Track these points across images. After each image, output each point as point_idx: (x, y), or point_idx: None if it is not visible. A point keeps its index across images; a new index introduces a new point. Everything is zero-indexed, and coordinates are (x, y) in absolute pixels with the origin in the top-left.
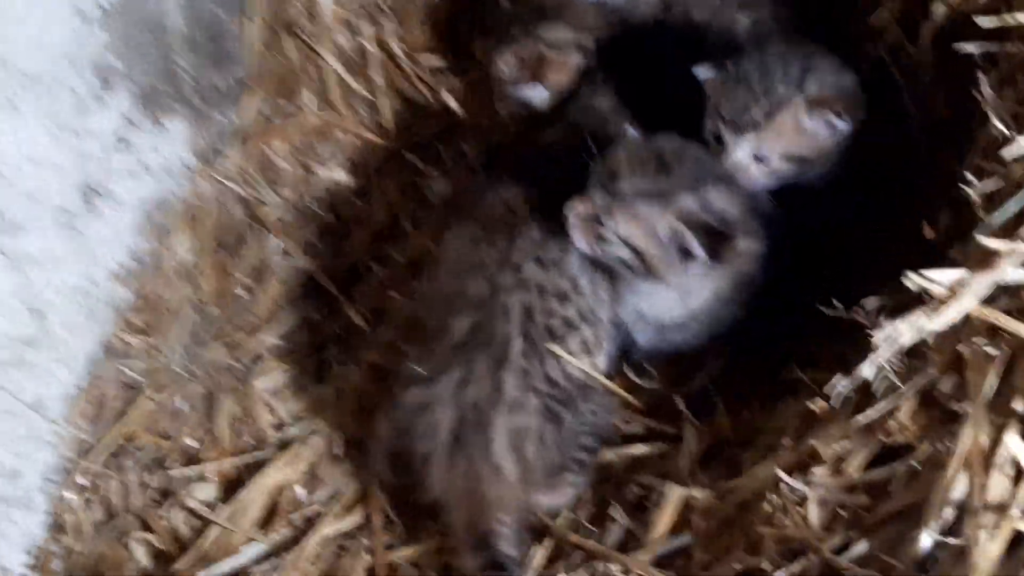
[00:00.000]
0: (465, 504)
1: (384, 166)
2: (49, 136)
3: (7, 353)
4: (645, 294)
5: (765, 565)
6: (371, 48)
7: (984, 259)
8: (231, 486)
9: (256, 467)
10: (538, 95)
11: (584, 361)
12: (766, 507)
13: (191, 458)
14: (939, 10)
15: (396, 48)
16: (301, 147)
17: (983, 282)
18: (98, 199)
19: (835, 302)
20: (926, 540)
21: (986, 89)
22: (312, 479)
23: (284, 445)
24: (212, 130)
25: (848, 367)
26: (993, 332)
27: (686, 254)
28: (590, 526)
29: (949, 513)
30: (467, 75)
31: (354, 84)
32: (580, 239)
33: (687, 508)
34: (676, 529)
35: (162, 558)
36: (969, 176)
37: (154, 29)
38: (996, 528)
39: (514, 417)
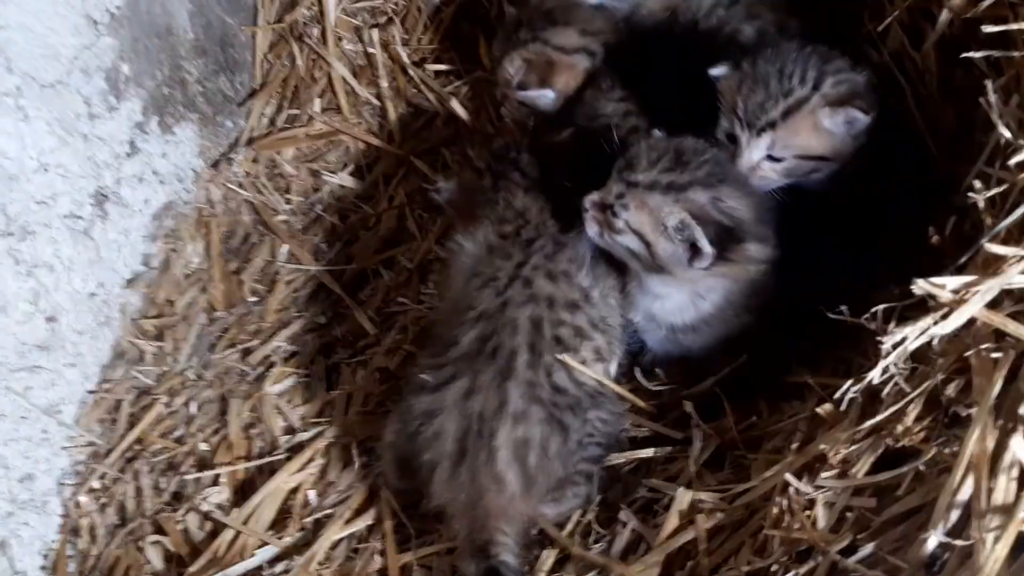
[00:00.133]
0: (467, 513)
1: (391, 172)
2: (60, 142)
3: (21, 358)
4: (656, 296)
5: (774, 567)
6: (378, 55)
7: (990, 265)
8: (243, 490)
9: (268, 471)
10: (545, 99)
11: (597, 368)
12: (774, 510)
13: (204, 462)
14: (943, 17)
15: (403, 54)
16: (309, 153)
17: (989, 287)
18: (109, 205)
19: (843, 308)
20: (933, 542)
21: (992, 96)
22: (323, 482)
23: (295, 449)
24: (221, 136)
25: (851, 371)
26: (999, 337)
27: (693, 249)
28: (600, 529)
29: (955, 516)
30: (473, 81)
31: (361, 90)
32: (592, 227)
33: (695, 511)
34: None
35: (175, 561)
36: (975, 183)
37: (163, 36)
38: (1002, 530)
39: (518, 428)
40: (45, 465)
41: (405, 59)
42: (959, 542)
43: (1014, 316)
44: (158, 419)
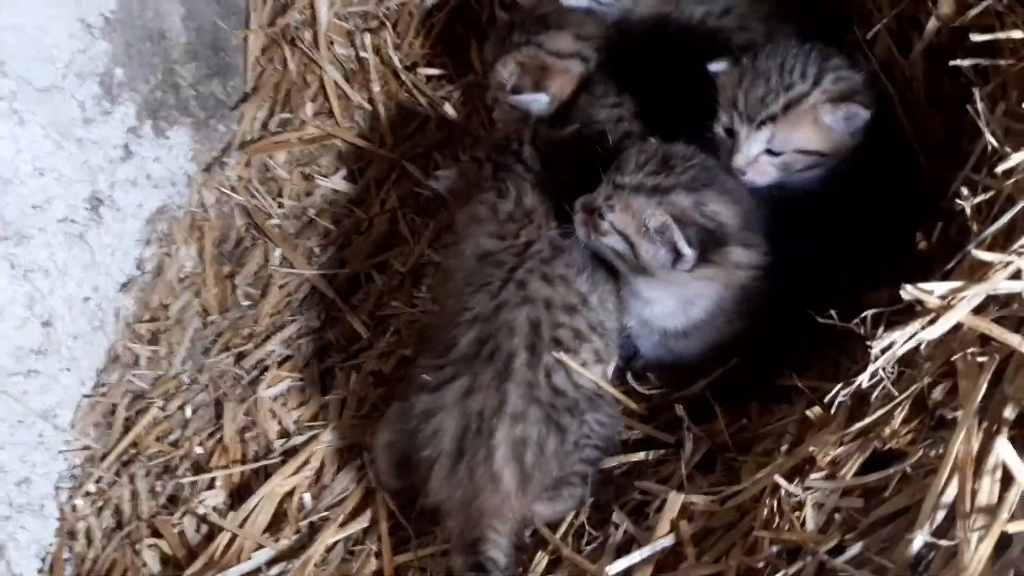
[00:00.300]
0: (462, 511)
1: (383, 176)
2: (55, 146)
3: (17, 363)
4: (648, 301)
5: (763, 567)
6: (370, 59)
7: (976, 270)
8: (239, 493)
9: (264, 474)
10: (539, 103)
11: (596, 370)
12: (764, 511)
13: (199, 466)
14: (931, 25)
15: (395, 59)
16: (301, 157)
17: (976, 293)
18: (103, 209)
19: (832, 313)
20: (918, 542)
21: (979, 104)
22: (318, 486)
23: (290, 452)
24: (214, 140)
25: (839, 373)
26: (984, 341)
27: (676, 251)
28: (592, 531)
29: (940, 516)
30: (465, 85)
31: (353, 94)
32: (581, 228)
33: (686, 513)
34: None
35: (172, 564)
36: (963, 189)
37: (156, 40)
38: (985, 531)
39: (516, 428)
40: (42, 469)
41: (397, 63)
42: (944, 542)
43: (999, 321)
44: (153, 423)
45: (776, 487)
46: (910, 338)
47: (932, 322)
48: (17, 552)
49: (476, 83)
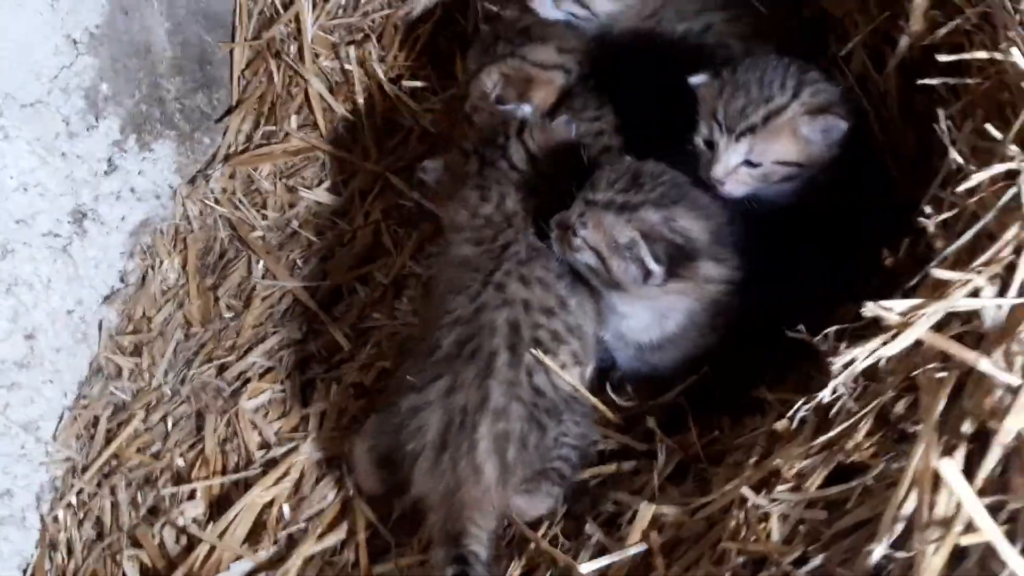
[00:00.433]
0: (445, 504)
1: (367, 187)
2: (40, 161)
3: (0, 376)
4: (623, 315)
5: None
6: (354, 71)
7: (937, 288)
8: (219, 504)
9: (243, 485)
10: (522, 113)
11: (575, 372)
12: (732, 523)
13: (180, 477)
14: (902, 43)
15: (379, 71)
16: (285, 169)
17: (935, 311)
18: (87, 222)
19: (801, 328)
20: (878, 554)
21: (944, 123)
22: (297, 497)
23: (270, 464)
24: (198, 152)
25: (811, 387)
26: (945, 357)
27: (646, 267)
28: (566, 541)
29: (899, 528)
30: (449, 97)
31: (337, 107)
32: (556, 245)
33: (657, 524)
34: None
35: (152, 575)
36: (926, 208)
37: (142, 54)
38: (940, 543)
39: (499, 423)
40: (24, 481)
41: (381, 76)
42: (901, 554)
43: (962, 337)
44: (135, 434)
45: (744, 499)
46: (870, 355)
47: (892, 339)
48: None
49: (459, 95)
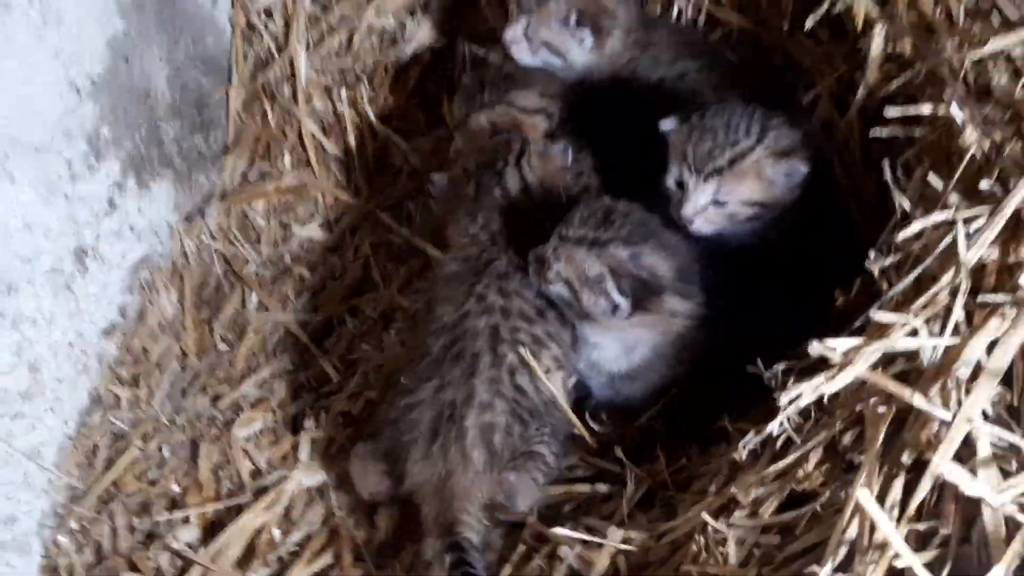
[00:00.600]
0: (438, 493)
1: (357, 224)
2: (43, 202)
3: (4, 406)
4: (595, 345)
5: None
6: (346, 112)
7: (880, 329)
8: (212, 529)
9: (236, 511)
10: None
11: (558, 376)
12: (693, 547)
13: (175, 503)
14: (860, 93)
15: (370, 112)
16: (279, 206)
17: (875, 350)
18: (88, 260)
19: (759, 363)
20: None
21: (889, 172)
22: (287, 522)
23: (261, 490)
24: (195, 191)
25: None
26: (888, 393)
27: (613, 300)
28: (542, 563)
29: (844, 552)
30: (436, 138)
31: (330, 146)
32: (533, 276)
33: (626, 548)
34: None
35: None
36: (871, 252)
37: (142, 98)
38: (875, 565)
39: (484, 415)
40: (26, 507)
41: (372, 116)
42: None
43: (905, 374)
44: (133, 462)
45: (705, 524)
46: (814, 391)
47: (834, 376)
48: None
49: (447, 136)
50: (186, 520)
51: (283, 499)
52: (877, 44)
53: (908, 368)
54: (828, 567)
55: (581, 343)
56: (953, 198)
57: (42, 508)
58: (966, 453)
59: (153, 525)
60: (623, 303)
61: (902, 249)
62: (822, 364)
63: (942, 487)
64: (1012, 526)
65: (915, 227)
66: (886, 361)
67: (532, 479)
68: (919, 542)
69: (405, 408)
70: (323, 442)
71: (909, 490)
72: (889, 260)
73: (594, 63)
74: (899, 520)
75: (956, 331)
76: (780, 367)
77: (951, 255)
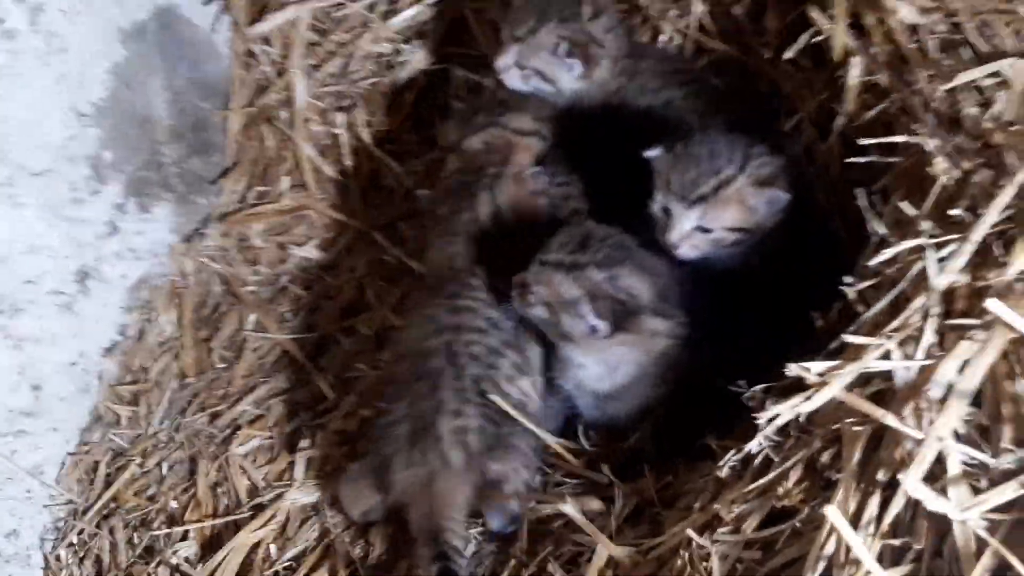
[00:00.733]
0: (422, 499)
1: (353, 245)
2: (47, 225)
3: (8, 424)
4: (579, 365)
5: None
6: (343, 135)
7: (856, 351)
8: (210, 545)
9: (233, 527)
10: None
11: (524, 381)
12: (678, 562)
13: (174, 519)
14: (838, 122)
15: (365, 135)
16: (277, 227)
17: (850, 371)
18: (90, 281)
19: (741, 383)
20: None
21: (863, 200)
22: (283, 538)
23: (258, 507)
24: (194, 213)
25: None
26: (864, 413)
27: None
28: None
29: (822, 567)
30: (430, 160)
31: (326, 168)
32: (516, 301)
33: (613, 564)
34: None
35: None
36: (847, 277)
37: (143, 124)
38: None
39: (456, 420)
40: (29, 522)
41: (368, 139)
42: None
43: (881, 394)
44: (132, 479)
45: (690, 540)
46: (791, 410)
47: (810, 397)
48: None
49: (440, 158)
50: (184, 536)
51: (279, 516)
52: (854, 75)
53: (883, 388)
54: None
55: (567, 364)
56: (925, 224)
57: (44, 523)
58: (940, 471)
59: (152, 540)
60: (601, 325)
61: (878, 273)
62: (800, 385)
63: (916, 504)
64: (981, 541)
65: (888, 252)
66: (862, 382)
67: (513, 468)
68: (894, 557)
69: (384, 427)
70: (319, 460)
71: (884, 507)
72: (865, 284)
73: (583, 90)
74: (874, 536)
75: (929, 353)
76: (759, 388)
77: (923, 280)
